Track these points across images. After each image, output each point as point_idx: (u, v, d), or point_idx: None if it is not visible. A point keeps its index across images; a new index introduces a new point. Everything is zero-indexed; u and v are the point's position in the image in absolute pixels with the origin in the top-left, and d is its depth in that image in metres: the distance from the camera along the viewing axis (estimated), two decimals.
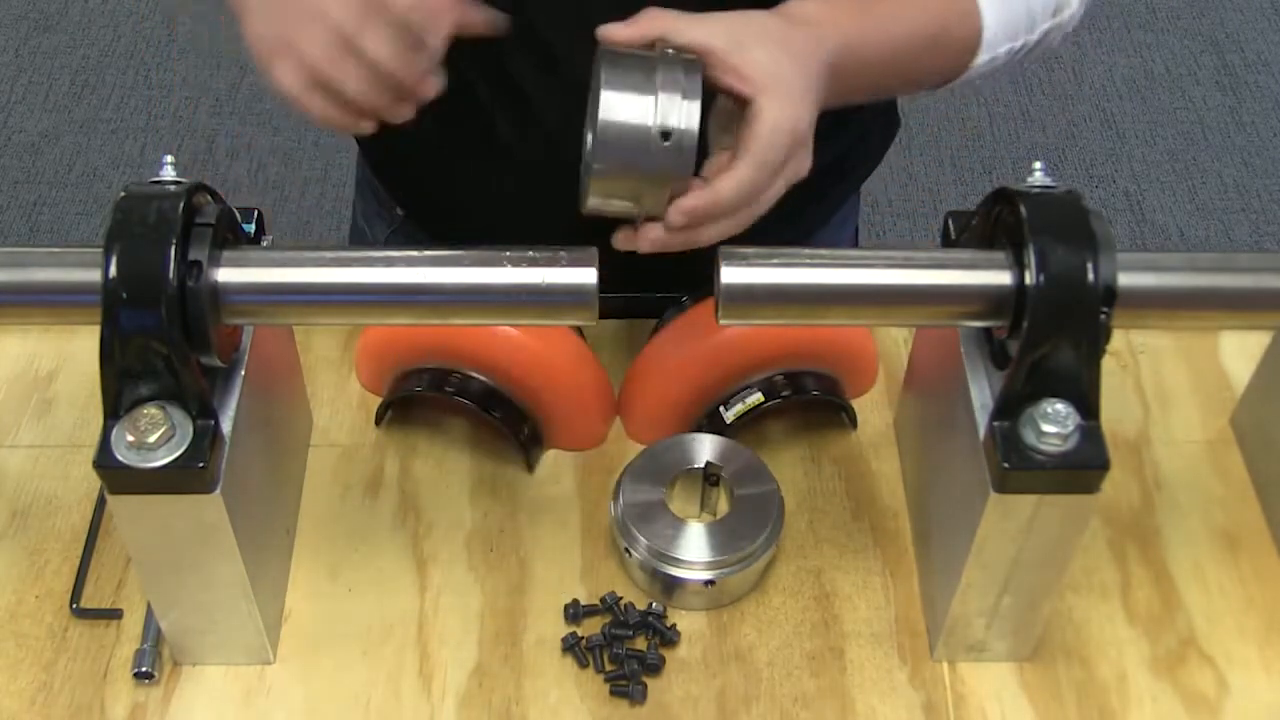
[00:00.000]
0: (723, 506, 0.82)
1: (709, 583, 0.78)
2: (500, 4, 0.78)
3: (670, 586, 0.79)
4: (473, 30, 0.75)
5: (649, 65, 0.69)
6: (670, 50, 0.70)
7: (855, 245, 1.16)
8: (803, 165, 0.73)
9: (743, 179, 0.70)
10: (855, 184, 1.08)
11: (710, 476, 0.82)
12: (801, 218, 0.99)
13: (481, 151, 0.96)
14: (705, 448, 0.83)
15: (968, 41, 0.82)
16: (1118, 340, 0.84)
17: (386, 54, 0.71)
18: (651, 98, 0.68)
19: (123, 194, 0.66)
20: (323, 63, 0.70)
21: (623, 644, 0.78)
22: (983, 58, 0.83)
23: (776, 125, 0.70)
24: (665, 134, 0.68)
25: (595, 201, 0.71)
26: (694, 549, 0.78)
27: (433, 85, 0.74)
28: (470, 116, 0.93)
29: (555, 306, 0.69)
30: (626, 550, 0.79)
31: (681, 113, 0.68)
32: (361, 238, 1.15)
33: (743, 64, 0.71)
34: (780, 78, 0.71)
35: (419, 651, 0.78)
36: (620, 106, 0.69)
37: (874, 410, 0.91)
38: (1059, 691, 0.77)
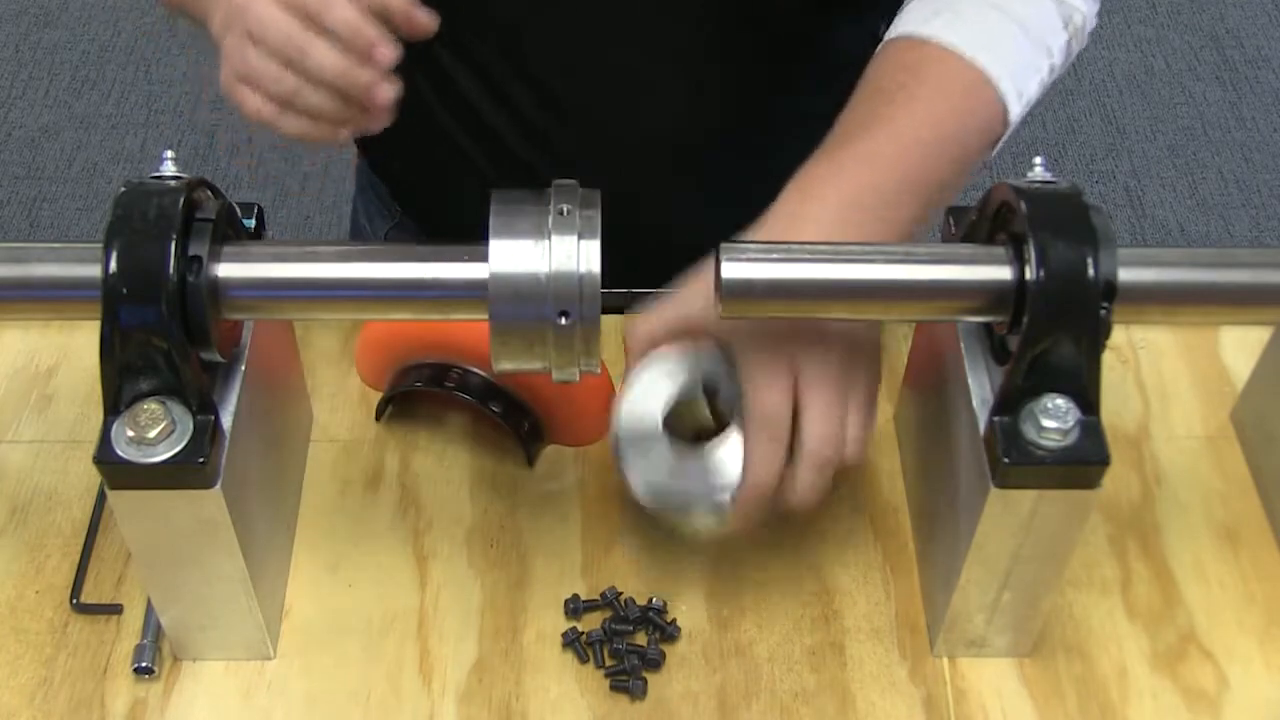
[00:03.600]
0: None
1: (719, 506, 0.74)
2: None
3: (683, 506, 0.75)
4: (411, 35, 0.73)
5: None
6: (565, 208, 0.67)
7: None
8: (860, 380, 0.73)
9: (756, 454, 0.71)
10: None
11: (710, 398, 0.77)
12: None
13: (470, 144, 0.96)
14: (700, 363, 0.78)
15: (991, 107, 0.80)
16: (1118, 335, 0.84)
17: (332, 69, 0.70)
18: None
19: (123, 189, 0.66)
20: (277, 85, 0.71)
21: (623, 639, 0.78)
22: (1017, 109, 0.81)
23: (750, 374, 0.71)
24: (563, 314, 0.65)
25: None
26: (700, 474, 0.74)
27: (385, 92, 0.72)
28: (458, 108, 0.93)
29: None
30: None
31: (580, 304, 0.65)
32: (361, 234, 1.15)
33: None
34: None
35: (419, 647, 0.78)
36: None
37: None
38: (1059, 687, 0.77)
